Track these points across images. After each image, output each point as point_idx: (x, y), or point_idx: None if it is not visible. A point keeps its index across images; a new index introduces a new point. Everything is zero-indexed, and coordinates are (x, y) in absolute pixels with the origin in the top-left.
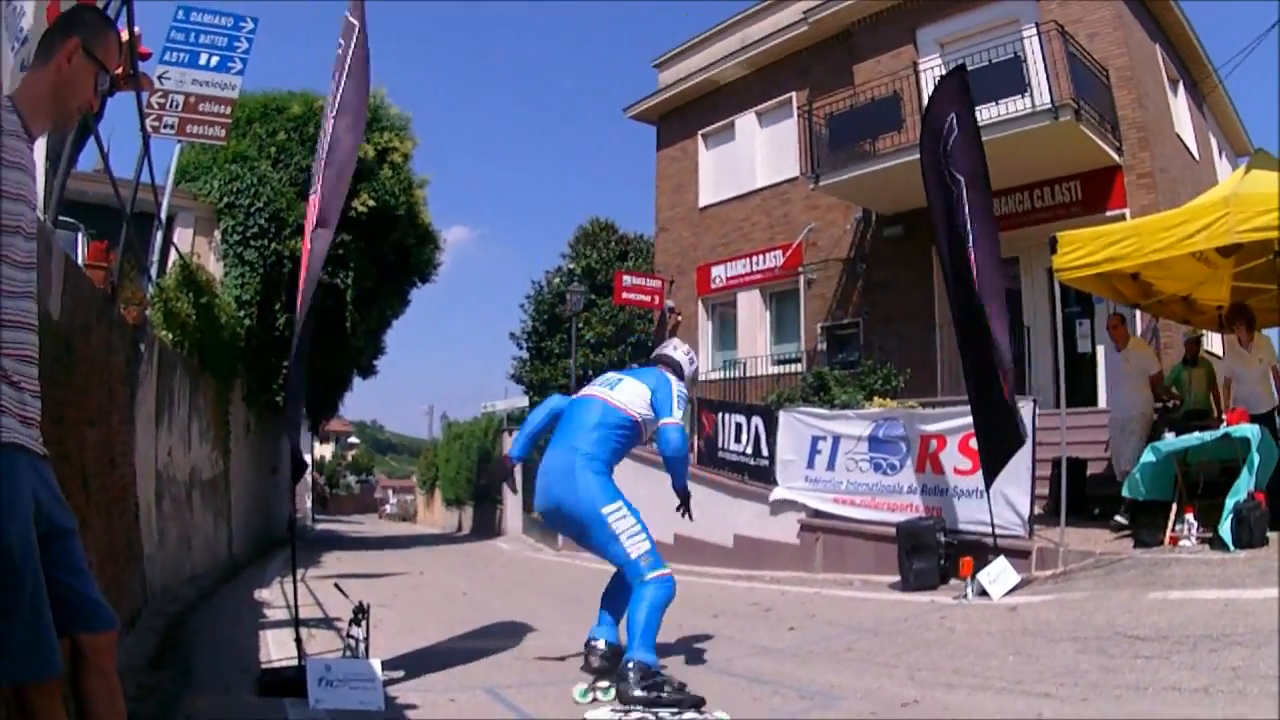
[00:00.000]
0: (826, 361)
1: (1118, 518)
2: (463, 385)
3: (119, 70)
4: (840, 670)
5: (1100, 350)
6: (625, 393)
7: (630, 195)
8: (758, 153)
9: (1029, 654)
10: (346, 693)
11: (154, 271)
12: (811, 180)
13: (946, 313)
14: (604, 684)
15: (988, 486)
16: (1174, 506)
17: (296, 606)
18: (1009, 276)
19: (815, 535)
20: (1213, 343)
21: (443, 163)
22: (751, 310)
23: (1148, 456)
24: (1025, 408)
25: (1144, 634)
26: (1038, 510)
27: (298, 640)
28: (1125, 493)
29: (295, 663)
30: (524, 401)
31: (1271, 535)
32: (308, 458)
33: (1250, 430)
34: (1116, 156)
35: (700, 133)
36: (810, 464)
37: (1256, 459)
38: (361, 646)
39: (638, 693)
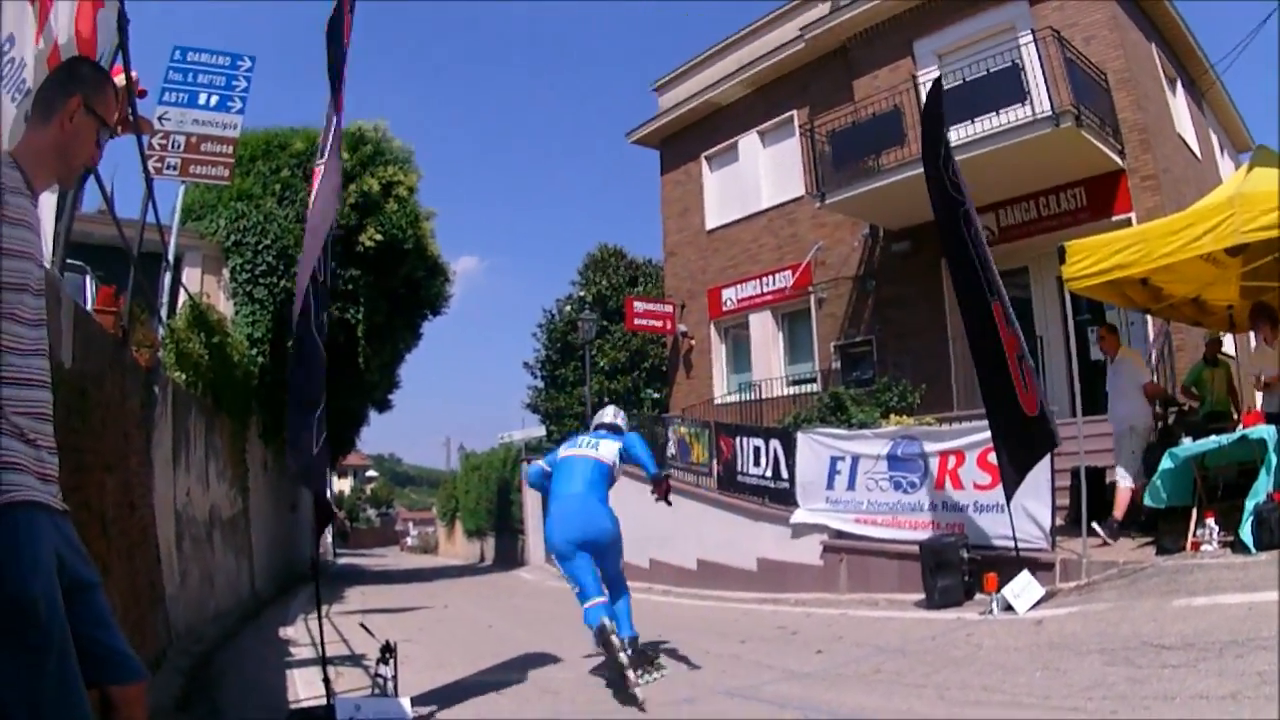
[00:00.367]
0: (841, 380)
1: (1095, 525)
2: (479, 416)
3: (117, 118)
4: (870, 692)
5: None
6: (605, 450)
7: (638, 220)
8: (762, 172)
9: (1056, 668)
10: None
11: (164, 313)
12: (817, 199)
13: (959, 326)
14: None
15: (1009, 499)
16: (1194, 511)
17: (324, 645)
18: (1018, 287)
19: (839, 556)
20: (1225, 343)
21: (450, 194)
22: (764, 332)
23: (1166, 463)
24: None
25: (1170, 642)
26: (1058, 521)
27: (325, 679)
28: (1147, 501)
29: (324, 702)
30: (541, 431)
31: None
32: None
33: (1267, 431)
34: (1119, 160)
35: (703, 155)
36: (830, 485)
37: (1274, 460)
38: (390, 685)
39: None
